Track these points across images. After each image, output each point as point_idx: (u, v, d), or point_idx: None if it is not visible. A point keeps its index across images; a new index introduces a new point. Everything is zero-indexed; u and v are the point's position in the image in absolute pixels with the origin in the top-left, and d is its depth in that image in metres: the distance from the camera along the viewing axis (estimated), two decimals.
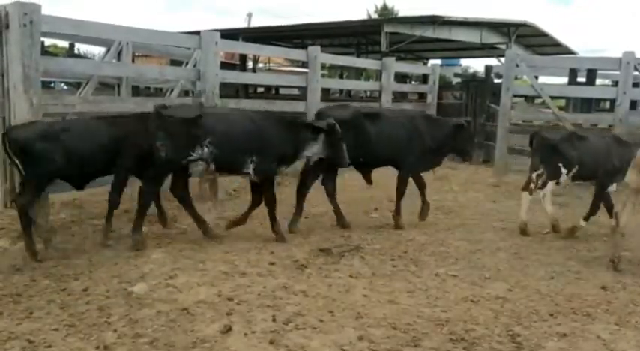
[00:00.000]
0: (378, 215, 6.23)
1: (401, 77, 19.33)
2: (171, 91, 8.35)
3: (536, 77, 10.80)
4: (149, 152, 4.56)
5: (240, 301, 3.57)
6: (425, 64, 19.97)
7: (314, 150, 5.02)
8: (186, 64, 8.43)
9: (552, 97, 8.29)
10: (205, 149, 4.62)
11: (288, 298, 3.65)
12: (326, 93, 15.81)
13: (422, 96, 11.52)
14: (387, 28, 13.13)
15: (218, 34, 6.76)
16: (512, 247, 5.14)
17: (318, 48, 8.35)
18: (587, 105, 9.00)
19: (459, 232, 5.60)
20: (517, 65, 7.96)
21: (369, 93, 15.84)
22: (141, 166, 4.67)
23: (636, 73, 7.46)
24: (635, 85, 7.94)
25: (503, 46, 15.39)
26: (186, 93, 8.35)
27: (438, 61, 25.92)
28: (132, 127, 4.69)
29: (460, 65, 29.74)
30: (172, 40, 7.35)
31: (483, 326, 3.36)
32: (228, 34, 12.41)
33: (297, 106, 8.56)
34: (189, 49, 7.72)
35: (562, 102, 11.33)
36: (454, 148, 5.94)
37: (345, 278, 4.10)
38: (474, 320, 3.43)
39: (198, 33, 6.61)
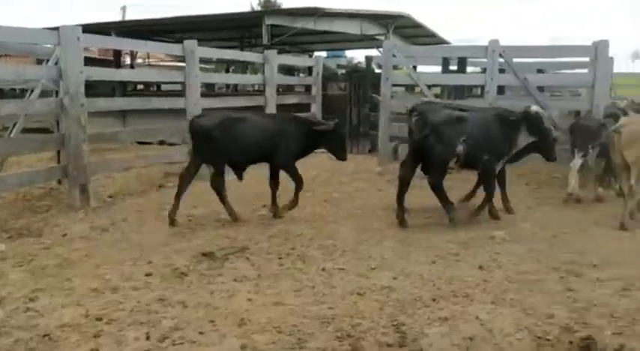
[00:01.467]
0: (266, 212, 6.06)
1: (288, 70, 19.34)
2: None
3: (415, 67, 11.19)
4: None
5: (110, 321, 3.24)
6: (311, 56, 20.10)
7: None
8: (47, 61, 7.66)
9: (429, 86, 8.60)
10: None
11: (165, 311, 3.38)
12: (210, 88, 15.33)
13: (308, 88, 11.51)
14: (269, 21, 12.96)
15: (79, 28, 6.20)
16: (397, 234, 5.22)
17: (195, 42, 7.97)
18: (461, 92, 9.52)
19: (346, 224, 5.59)
20: (394, 55, 8.17)
21: (256, 87, 15.63)
22: None
23: (502, 60, 7.90)
24: (502, 71, 8.47)
25: (382, 38, 15.85)
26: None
27: (324, 53, 26.24)
28: None
29: (345, 57, 30.33)
30: (29, 36, 6.63)
31: (369, 319, 3.32)
32: (99, 29, 11.58)
33: (177, 103, 8.16)
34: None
35: (438, 90, 11.91)
36: (327, 147, 6.01)
37: (229, 283, 3.89)
38: (360, 314, 3.39)
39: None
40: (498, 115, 5.70)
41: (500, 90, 10.39)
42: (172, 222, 5.47)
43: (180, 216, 5.69)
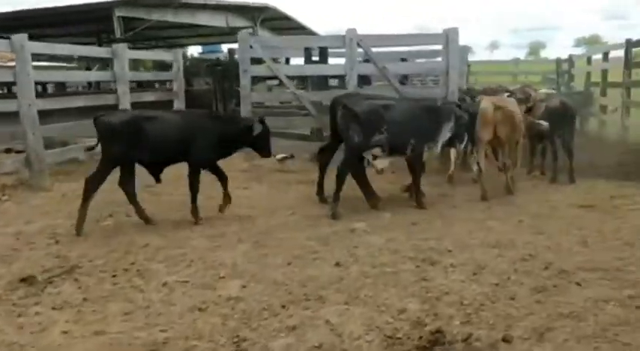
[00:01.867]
0: (111, 222, 5.41)
1: (163, 66, 18.26)
2: None
3: (288, 60, 10.93)
4: None
5: None
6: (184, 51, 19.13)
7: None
8: None
9: (292, 77, 8.37)
10: None
11: None
12: (61, 87, 13.94)
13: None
14: (119, 12, 11.99)
15: None
16: (254, 236, 4.86)
17: (25, 36, 6.99)
18: (324, 82, 9.41)
19: (200, 229, 5.14)
20: (251, 46, 7.81)
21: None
22: None
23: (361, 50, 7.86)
24: (367, 60, 8.47)
25: (250, 30, 15.44)
26: None
27: (199, 48, 25.22)
28: None
29: (222, 51, 29.51)
30: None
31: (207, 339, 2.94)
32: None
33: (7, 106, 7.13)
34: None
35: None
36: (252, 146, 5.71)
37: (46, 313, 3.30)
38: (198, 334, 2.99)
39: None
40: (422, 104, 6.03)
41: (367, 80, 10.56)
42: (79, 232, 4.95)
43: (5, 234, 4.91)
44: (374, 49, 8.22)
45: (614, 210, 5.61)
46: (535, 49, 79.95)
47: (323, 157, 6.23)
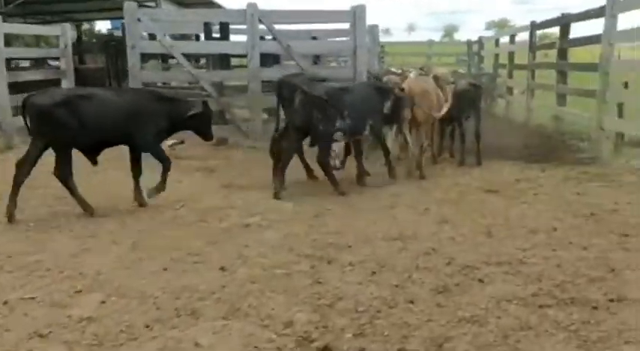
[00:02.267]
0: None
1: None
2: None
3: (198, 36, 10.04)
4: None
5: None
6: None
7: None
8: None
9: (190, 55, 7.66)
10: None
11: None
12: None
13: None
14: None
15: None
16: (132, 236, 4.25)
17: None
18: (226, 61, 8.74)
19: (70, 229, 4.44)
20: (139, 19, 7.01)
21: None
22: None
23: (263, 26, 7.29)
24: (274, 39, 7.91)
25: (153, 4, 14.31)
26: None
27: (108, 24, 23.28)
28: None
29: None
30: None
31: None
32: None
33: None
34: None
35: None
36: (193, 128, 5.40)
37: None
38: None
39: None
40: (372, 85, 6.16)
41: (276, 59, 9.99)
42: (10, 219, 4.57)
43: None
44: (280, 27, 7.71)
45: (520, 194, 5.49)
46: (449, 31, 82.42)
47: (276, 146, 5.80)
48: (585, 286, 3.25)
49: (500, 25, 66.16)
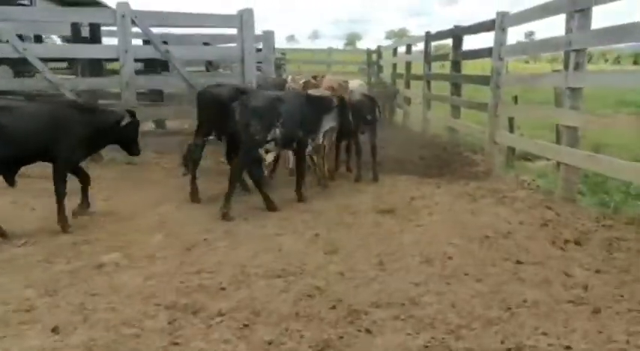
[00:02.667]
0: None
1: None
2: None
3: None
4: None
5: None
6: None
7: None
8: None
9: (53, 60, 6.69)
10: None
11: None
12: None
13: None
14: None
15: None
16: None
17: None
18: (98, 66, 7.79)
19: None
20: None
21: None
22: None
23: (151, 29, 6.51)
24: (147, 42, 7.15)
25: (27, 2, 12.82)
26: None
27: None
28: None
29: None
30: None
31: None
32: None
33: None
34: None
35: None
36: (118, 141, 5.03)
37: None
38: None
39: None
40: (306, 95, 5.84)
41: (165, 66, 9.16)
42: None
43: None
44: (163, 30, 6.96)
45: (415, 215, 5.19)
46: (352, 39, 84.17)
47: (195, 156, 5.58)
48: (481, 331, 2.90)
49: (400, 35, 68.54)
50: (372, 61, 17.21)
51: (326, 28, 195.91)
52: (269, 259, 3.97)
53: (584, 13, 5.13)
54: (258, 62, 8.20)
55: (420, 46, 11.76)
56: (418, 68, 11.67)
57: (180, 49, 6.98)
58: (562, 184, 5.52)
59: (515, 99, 7.06)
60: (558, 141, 6.91)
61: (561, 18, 5.88)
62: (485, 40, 7.54)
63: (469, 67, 10.64)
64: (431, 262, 3.92)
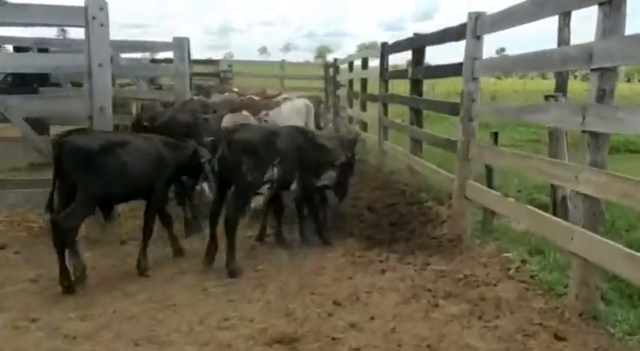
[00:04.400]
0: None
1: None
2: None
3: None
4: None
5: None
6: None
7: None
8: None
9: None
10: None
11: None
12: None
13: None
14: None
15: None
16: None
17: None
18: None
19: None
20: None
21: None
22: None
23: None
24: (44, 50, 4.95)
25: None
26: None
27: None
28: None
29: None
30: None
31: None
32: None
33: None
34: None
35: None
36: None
37: None
38: None
39: None
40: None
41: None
42: None
43: None
44: None
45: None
46: (322, 52, 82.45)
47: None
48: None
49: (370, 48, 66.99)
50: (330, 76, 15.06)
51: (299, 41, 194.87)
52: None
53: (615, 4, 3.01)
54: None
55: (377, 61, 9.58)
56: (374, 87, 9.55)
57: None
58: (576, 287, 3.36)
59: (496, 138, 4.90)
60: (558, 212, 4.80)
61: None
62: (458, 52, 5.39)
63: (441, 88, 8.46)
64: None
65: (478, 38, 4.80)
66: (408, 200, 6.46)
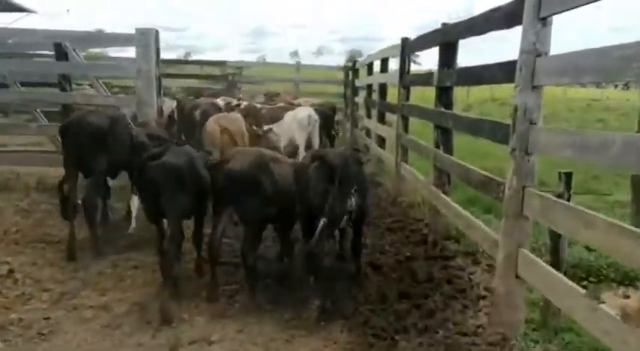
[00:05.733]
0: None
1: None
2: None
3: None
4: None
5: None
6: None
7: None
8: None
9: None
10: None
11: None
12: None
13: None
14: None
15: None
16: None
17: None
18: None
19: None
20: None
21: None
22: None
23: None
24: None
25: None
26: None
27: None
28: None
29: None
30: None
31: None
32: None
33: None
34: None
35: None
36: None
37: None
38: None
39: None
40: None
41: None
42: None
43: None
44: None
45: None
46: (353, 56, 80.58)
47: None
48: None
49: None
50: (349, 80, 13.24)
51: (333, 45, 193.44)
52: None
53: None
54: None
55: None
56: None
57: None
58: None
59: (568, 183, 3.00)
60: None
61: None
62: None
63: (475, 93, 6.51)
64: None
65: (544, 22, 2.92)
66: (428, 253, 4.66)
